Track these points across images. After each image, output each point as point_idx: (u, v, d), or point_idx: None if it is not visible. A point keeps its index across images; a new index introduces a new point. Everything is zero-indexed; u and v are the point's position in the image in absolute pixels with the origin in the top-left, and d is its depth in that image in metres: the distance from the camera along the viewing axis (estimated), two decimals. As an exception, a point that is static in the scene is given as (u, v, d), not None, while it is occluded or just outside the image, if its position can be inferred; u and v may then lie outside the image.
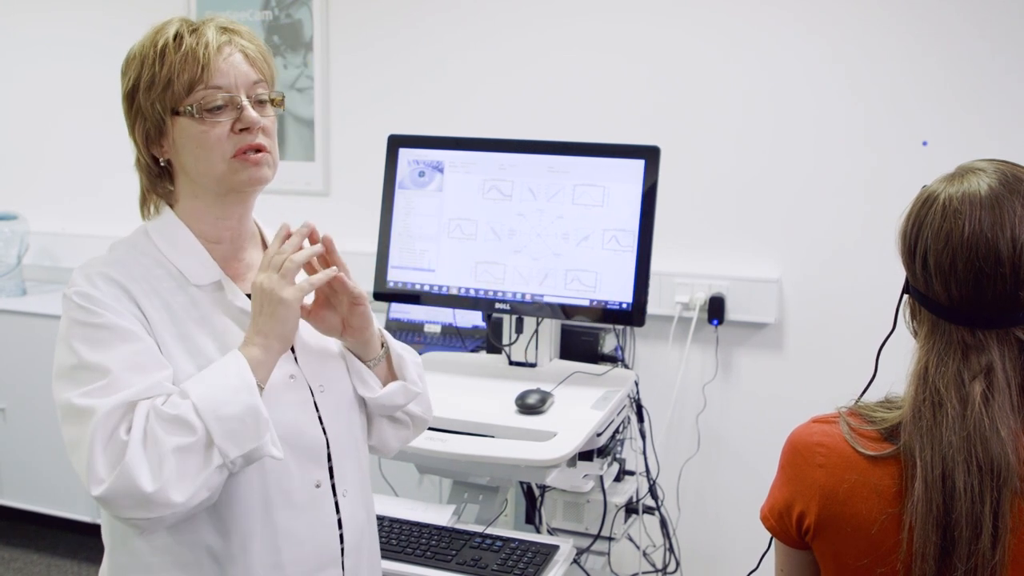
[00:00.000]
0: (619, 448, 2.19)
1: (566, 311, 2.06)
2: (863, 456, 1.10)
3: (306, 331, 1.30)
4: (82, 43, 3.44)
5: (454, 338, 2.76)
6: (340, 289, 1.28)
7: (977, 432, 1.04)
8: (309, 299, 1.29)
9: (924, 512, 1.04)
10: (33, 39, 3.54)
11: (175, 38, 1.19)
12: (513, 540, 1.88)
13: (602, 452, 2.04)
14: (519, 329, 2.16)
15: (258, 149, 1.21)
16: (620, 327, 2.52)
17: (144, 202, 1.29)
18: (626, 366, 2.52)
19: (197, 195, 1.25)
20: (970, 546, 1.03)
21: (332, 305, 1.30)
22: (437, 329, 2.80)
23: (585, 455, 1.98)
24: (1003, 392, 1.06)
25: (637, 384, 2.17)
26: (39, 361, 3.09)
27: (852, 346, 2.52)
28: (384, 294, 2.17)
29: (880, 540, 1.08)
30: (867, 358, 1.26)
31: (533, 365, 2.17)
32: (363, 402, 1.36)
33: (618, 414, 2.05)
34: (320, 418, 1.28)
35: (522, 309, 2.09)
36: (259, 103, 1.23)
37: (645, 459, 2.25)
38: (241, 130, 1.20)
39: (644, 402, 2.23)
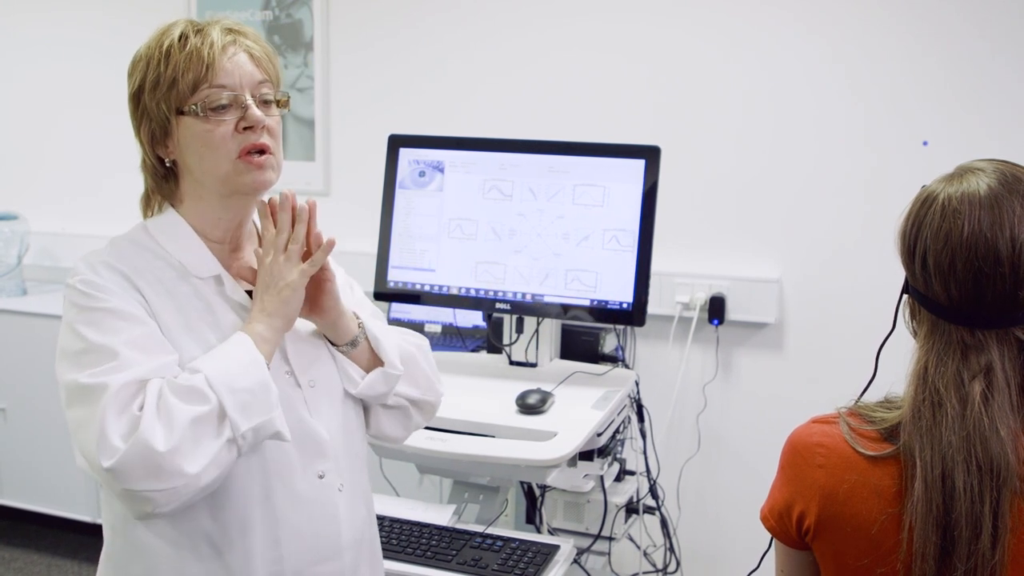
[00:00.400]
0: (619, 448, 2.19)
1: (566, 311, 2.06)
2: (863, 456, 1.10)
3: (300, 326, 1.30)
4: (82, 43, 3.44)
5: (454, 338, 2.76)
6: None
7: (977, 432, 1.04)
8: None
9: (924, 512, 1.04)
10: (33, 39, 3.54)
11: (180, 39, 1.20)
12: (513, 540, 1.88)
13: (602, 452, 2.04)
14: (519, 329, 2.16)
15: (262, 150, 1.22)
16: (620, 327, 2.52)
17: (148, 203, 1.30)
18: (626, 366, 2.53)
19: (201, 196, 1.25)
20: (970, 546, 1.03)
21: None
22: (437, 329, 2.80)
23: (585, 455, 1.98)
24: (1003, 392, 1.06)
25: (637, 384, 2.17)
26: (39, 361, 3.12)
27: (852, 346, 2.52)
28: (384, 294, 2.17)
29: (880, 540, 1.08)
30: (867, 358, 1.26)
31: (533, 365, 2.17)
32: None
33: (618, 414, 2.05)
34: (310, 413, 1.27)
35: (522, 309, 2.09)
36: (264, 103, 1.23)
37: (645, 459, 2.25)
38: (245, 129, 1.20)
39: (644, 402, 2.23)
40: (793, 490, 1.16)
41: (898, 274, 1.16)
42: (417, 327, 2.85)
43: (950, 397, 1.06)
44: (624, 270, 2.02)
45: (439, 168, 2.15)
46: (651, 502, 2.31)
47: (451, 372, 2.15)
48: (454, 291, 2.12)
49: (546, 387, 1.99)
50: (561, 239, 2.06)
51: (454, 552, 1.85)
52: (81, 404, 1.10)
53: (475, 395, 2.01)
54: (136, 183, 1.30)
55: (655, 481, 2.30)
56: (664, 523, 2.36)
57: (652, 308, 2.20)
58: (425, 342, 1.47)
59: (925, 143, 2.47)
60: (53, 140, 3.56)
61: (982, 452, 1.04)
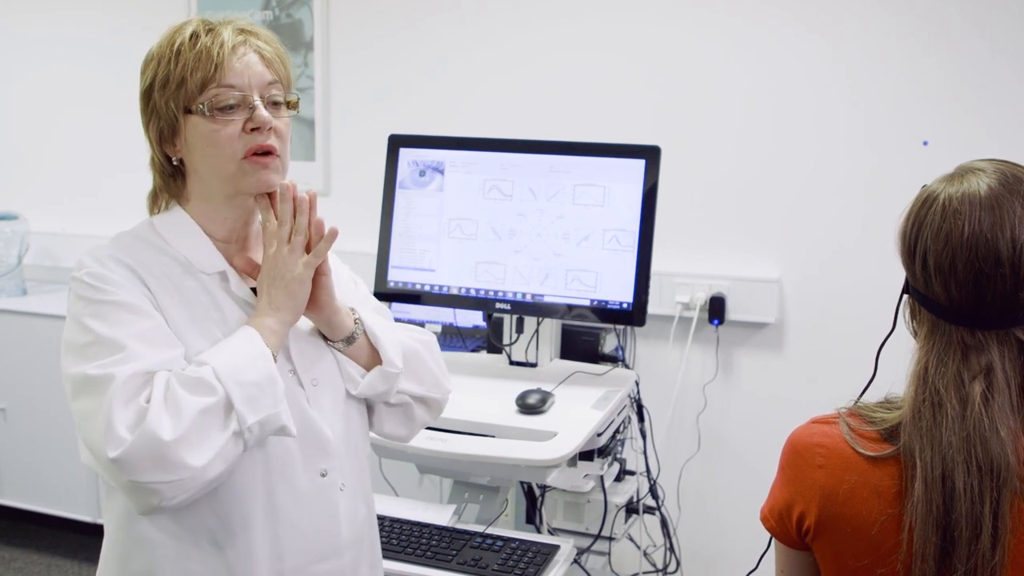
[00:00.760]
0: (619, 448, 2.19)
1: (567, 311, 2.06)
2: (863, 457, 1.10)
3: (302, 324, 1.30)
4: (82, 43, 3.44)
5: (455, 338, 2.76)
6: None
7: (977, 432, 1.04)
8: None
9: (924, 512, 1.04)
10: (33, 39, 3.54)
11: (191, 37, 1.20)
12: (513, 540, 1.88)
13: (602, 452, 2.04)
14: (519, 329, 2.16)
15: (268, 151, 1.21)
16: (620, 327, 2.52)
17: (155, 200, 1.30)
18: (626, 366, 2.53)
19: (207, 196, 1.25)
20: (970, 546, 1.03)
21: None
22: (438, 329, 2.80)
23: (585, 455, 1.98)
24: (1003, 392, 1.06)
25: (637, 384, 2.17)
26: (39, 361, 3.12)
27: (852, 346, 2.52)
28: (384, 294, 2.17)
29: (880, 541, 1.08)
30: (867, 358, 1.26)
31: (534, 365, 2.17)
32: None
33: (618, 414, 2.05)
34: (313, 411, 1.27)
35: (523, 309, 2.09)
36: (273, 104, 1.23)
37: (645, 459, 2.25)
38: (252, 130, 1.20)
39: (644, 402, 2.23)
40: (793, 490, 1.16)
41: (898, 274, 1.16)
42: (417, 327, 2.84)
43: (950, 398, 1.06)
44: (624, 270, 2.02)
45: (439, 168, 2.15)
46: (651, 502, 2.31)
47: (451, 372, 2.12)
48: (454, 291, 2.12)
49: (546, 387, 1.99)
50: (561, 239, 2.06)
51: (454, 552, 1.85)
52: (87, 395, 1.10)
53: (475, 395, 2.01)
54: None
55: (655, 481, 2.30)
56: (664, 523, 2.36)
57: (652, 308, 2.20)
58: (432, 338, 1.45)
59: (925, 143, 2.47)
60: (53, 140, 3.56)
61: (982, 453, 1.04)
